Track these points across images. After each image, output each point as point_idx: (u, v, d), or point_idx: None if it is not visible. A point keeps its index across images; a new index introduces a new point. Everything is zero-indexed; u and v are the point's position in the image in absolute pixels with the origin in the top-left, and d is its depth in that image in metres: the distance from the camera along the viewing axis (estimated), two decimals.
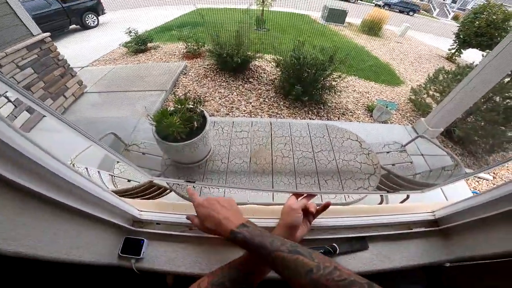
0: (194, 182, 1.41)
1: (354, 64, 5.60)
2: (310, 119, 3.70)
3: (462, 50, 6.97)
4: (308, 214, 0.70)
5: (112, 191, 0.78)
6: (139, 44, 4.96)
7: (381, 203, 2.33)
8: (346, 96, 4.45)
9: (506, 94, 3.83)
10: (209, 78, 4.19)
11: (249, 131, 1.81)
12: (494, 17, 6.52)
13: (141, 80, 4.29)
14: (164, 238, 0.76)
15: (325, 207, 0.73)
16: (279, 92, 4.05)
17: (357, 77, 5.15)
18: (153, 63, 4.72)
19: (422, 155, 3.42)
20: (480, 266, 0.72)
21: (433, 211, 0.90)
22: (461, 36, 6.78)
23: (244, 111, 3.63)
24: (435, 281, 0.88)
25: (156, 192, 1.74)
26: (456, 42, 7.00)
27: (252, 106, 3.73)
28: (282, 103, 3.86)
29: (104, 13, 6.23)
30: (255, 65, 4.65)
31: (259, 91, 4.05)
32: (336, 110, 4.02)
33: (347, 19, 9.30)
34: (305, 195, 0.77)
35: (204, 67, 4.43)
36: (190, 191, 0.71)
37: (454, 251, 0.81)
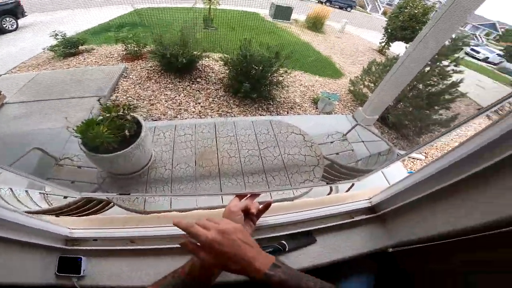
0: (129, 194, 1.33)
1: (299, 59, 5.86)
2: (260, 115, 3.78)
3: (390, 43, 7.83)
4: (250, 215, 0.69)
5: (45, 210, 0.71)
6: (69, 47, 4.42)
7: (330, 193, 2.50)
8: (294, 90, 4.65)
9: (427, 82, 4.42)
10: (153, 81, 3.96)
11: (193, 133, 1.76)
12: (415, 11, 7.43)
13: (75, 85, 3.84)
14: (105, 254, 0.73)
15: (267, 206, 0.73)
16: (228, 90, 4.04)
17: (302, 71, 5.41)
18: (87, 67, 4.26)
19: (363, 142, 3.75)
20: (424, 249, 0.70)
21: (370, 198, 0.93)
22: (388, 30, 7.60)
23: (193, 112, 3.53)
24: (385, 268, 0.88)
25: (97, 207, 1.60)
26: (385, 36, 7.84)
27: (201, 106, 3.65)
28: (232, 101, 3.86)
29: (25, 16, 5.39)
30: (202, 64, 4.54)
31: (208, 90, 3.98)
32: (285, 105, 4.18)
33: (293, 16, 9.66)
34: (248, 195, 0.77)
35: (147, 69, 4.17)
36: (183, 223, 0.53)
37: (394, 236, 0.82)
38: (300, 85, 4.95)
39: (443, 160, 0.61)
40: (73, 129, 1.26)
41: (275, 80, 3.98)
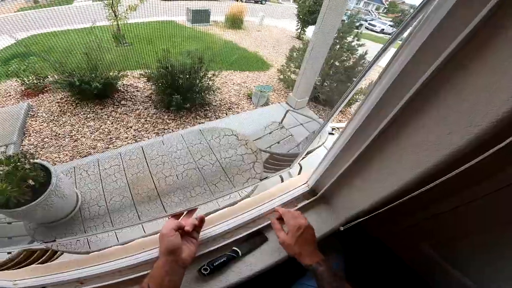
0: (54, 240, 1.19)
1: (226, 59, 5.92)
2: (199, 123, 3.72)
3: (305, 28, 8.50)
4: (187, 233, 0.68)
5: None
6: None
7: (282, 181, 2.60)
8: (228, 90, 4.69)
9: (341, 58, 4.94)
10: (68, 114, 3.50)
11: (120, 163, 1.63)
12: None
13: None
14: None
15: (201, 220, 0.72)
16: (160, 106, 3.84)
17: (232, 70, 5.48)
18: None
19: (301, 124, 4.02)
20: (374, 220, 0.71)
21: (307, 181, 0.93)
22: (300, 16, 8.21)
23: (126, 138, 3.26)
24: (351, 241, 0.90)
25: (45, 256, 1.41)
26: (298, 22, 8.45)
27: (134, 130, 3.39)
28: (166, 117, 3.69)
29: None
30: (124, 84, 4.20)
31: (137, 111, 3.72)
32: (222, 107, 4.19)
33: (212, 18, 9.63)
34: (184, 213, 0.75)
35: (58, 102, 3.65)
36: (282, 209, 0.80)
37: (339, 213, 0.82)
38: (233, 84, 5.01)
39: (353, 122, 0.63)
40: None
41: (205, 85, 3.94)
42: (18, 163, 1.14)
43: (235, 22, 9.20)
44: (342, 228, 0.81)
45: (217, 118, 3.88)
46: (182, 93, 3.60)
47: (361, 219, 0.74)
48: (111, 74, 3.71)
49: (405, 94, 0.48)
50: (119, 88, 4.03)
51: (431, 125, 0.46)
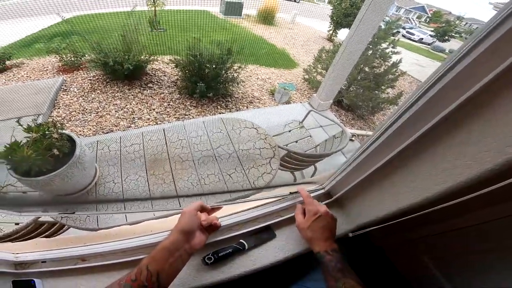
0: (73, 213, 1.23)
1: (254, 53, 5.90)
2: (219, 113, 3.74)
3: (337, 30, 8.26)
4: (206, 226, 0.68)
5: None
6: None
7: (295, 180, 2.57)
8: (251, 84, 4.68)
9: (372, 64, 4.76)
10: (98, 91, 3.66)
11: (140, 143, 1.67)
12: None
13: (7, 105, 3.41)
14: (59, 274, 0.72)
15: (218, 226, 0.73)
16: (184, 92, 3.92)
17: (258, 65, 5.46)
18: (19, 83, 3.80)
19: (321, 126, 3.93)
20: (383, 230, 0.70)
21: (324, 183, 0.91)
22: (334, 18, 8.00)
23: (148, 119, 3.36)
24: (354, 249, 0.89)
25: (51, 230, 1.47)
26: (331, 24, 8.24)
27: (157, 112, 3.48)
28: (188, 103, 3.75)
29: None
30: (153, 68, 4.33)
31: (162, 95, 3.81)
32: (244, 100, 4.18)
33: (245, 11, 9.65)
34: (209, 208, 0.74)
35: (90, 80, 3.84)
36: (306, 193, 0.81)
37: (352, 220, 0.80)
38: (257, 78, 4.99)
39: (380, 131, 0.60)
40: None
41: (230, 77, 3.96)
42: (47, 132, 1.19)
43: (267, 17, 9.16)
44: (351, 235, 0.79)
45: (237, 110, 3.89)
46: (206, 82, 3.64)
47: (372, 228, 0.72)
48: (142, 57, 3.83)
49: (446, 108, 0.45)
50: (148, 72, 4.15)
51: (470, 142, 0.44)
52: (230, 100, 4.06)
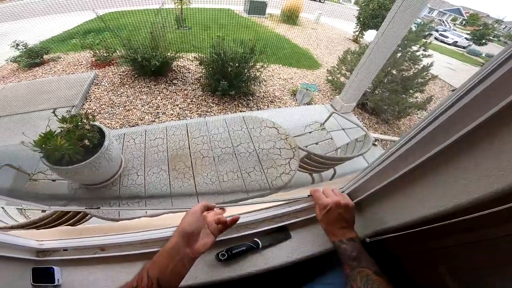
0: (98, 208, 1.28)
1: (276, 52, 5.87)
2: (240, 111, 3.76)
3: (363, 31, 7.99)
4: (212, 226, 0.64)
5: (18, 225, 0.92)
6: (33, 57, 4.20)
7: (313, 182, 2.52)
8: (273, 84, 4.66)
9: (400, 67, 4.55)
10: (127, 86, 3.83)
11: (164, 137, 1.72)
12: None
13: (43, 97, 3.67)
14: (78, 263, 0.75)
15: (232, 222, 0.67)
16: (206, 89, 3.98)
17: (280, 65, 5.42)
18: (54, 77, 4.07)
19: (343, 129, 3.82)
20: (401, 238, 0.68)
21: (343, 187, 0.89)
22: (361, 19, 7.74)
23: (172, 114, 3.45)
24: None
25: (75, 219, 1.55)
26: (358, 25, 7.98)
27: (180, 108, 3.58)
28: (210, 100, 3.81)
29: None
30: (178, 65, 4.45)
31: (185, 91, 3.91)
32: (265, 99, 4.17)
33: (268, 10, 9.64)
34: (215, 207, 0.71)
35: (120, 75, 4.03)
36: (317, 193, 0.79)
37: (369, 225, 0.78)
38: (279, 78, 4.96)
39: (409, 137, 0.58)
40: (31, 143, 1.20)
41: (252, 75, 3.96)
42: (80, 123, 1.26)
43: (290, 17, 9.07)
44: (368, 240, 0.78)
45: (258, 109, 3.89)
46: (229, 80, 3.68)
47: (390, 235, 0.70)
48: (168, 54, 3.95)
49: (483, 114, 0.42)
50: (173, 68, 4.28)
51: (507, 149, 0.41)
52: (251, 98, 4.07)
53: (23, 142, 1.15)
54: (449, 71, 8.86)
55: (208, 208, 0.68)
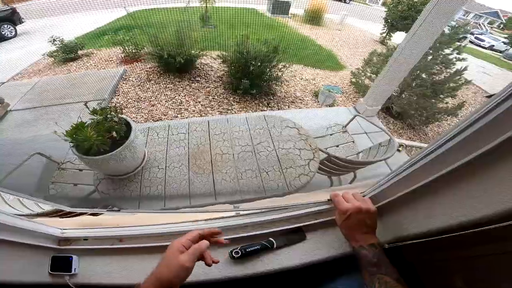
0: (119, 210, 1.33)
1: (299, 53, 5.80)
2: (261, 110, 3.76)
3: (391, 33, 7.67)
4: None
5: (43, 213, 0.90)
6: (67, 53, 4.48)
7: (331, 185, 2.46)
8: (294, 84, 4.61)
9: (430, 71, 4.32)
10: (152, 82, 3.97)
11: (186, 132, 1.76)
12: (414, 0, 7.28)
13: (75, 90, 3.90)
14: (96, 253, 0.76)
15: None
16: (228, 88, 4.03)
17: (303, 65, 5.35)
18: (87, 71, 4.32)
19: (365, 133, 3.69)
20: (423, 245, 0.66)
21: (364, 191, 0.87)
22: (389, 20, 7.45)
23: (194, 111, 3.53)
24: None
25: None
26: (385, 26, 7.68)
27: (202, 105, 3.64)
28: (232, 98, 3.85)
29: (23, 22, 5.49)
30: (201, 63, 4.54)
31: (208, 89, 3.98)
32: (286, 99, 4.14)
33: (292, 10, 9.56)
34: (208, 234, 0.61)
35: (146, 71, 4.19)
36: (337, 197, 0.77)
37: (390, 231, 0.76)
38: (301, 79, 4.90)
39: (439, 146, 0.56)
40: (63, 133, 1.27)
41: (274, 75, 3.95)
42: (109, 115, 1.32)
43: (314, 17, 8.92)
44: (387, 246, 0.76)
45: (279, 109, 3.86)
46: (251, 79, 3.69)
47: (409, 242, 0.68)
48: (193, 52, 4.04)
49: None
50: (197, 66, 4.37)
51: None
52: (272, 98, 4.06)
53: (55, 132, 1.22)
54: (484, 76, 8.28)
55: (200, 237, 0.59)
